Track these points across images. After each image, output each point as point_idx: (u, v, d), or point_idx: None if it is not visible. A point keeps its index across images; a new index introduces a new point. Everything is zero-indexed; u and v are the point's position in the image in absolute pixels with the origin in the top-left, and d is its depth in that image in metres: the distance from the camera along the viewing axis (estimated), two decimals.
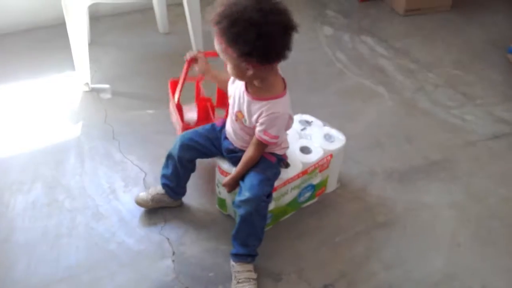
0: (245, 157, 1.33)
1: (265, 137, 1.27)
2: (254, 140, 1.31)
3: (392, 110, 2.10)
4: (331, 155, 1.55)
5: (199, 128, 1.47)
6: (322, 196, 1.65)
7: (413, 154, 1.87)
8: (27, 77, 2.17)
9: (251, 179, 1.31)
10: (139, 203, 1.55)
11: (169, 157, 1.48)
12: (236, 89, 1.32)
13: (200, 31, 2.20)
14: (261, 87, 1.24)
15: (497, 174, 1.80)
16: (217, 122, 1.48)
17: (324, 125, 1.65)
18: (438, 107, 2.12)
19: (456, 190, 1.72)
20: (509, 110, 2.11)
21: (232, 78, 1.34)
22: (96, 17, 2.53)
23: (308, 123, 1.65)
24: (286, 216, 1.58)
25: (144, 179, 1.69)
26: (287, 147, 1.44)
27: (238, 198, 1.30)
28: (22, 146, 1.81)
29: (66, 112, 2.00)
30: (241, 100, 1.29)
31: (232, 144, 1.40)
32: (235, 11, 1.09)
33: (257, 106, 1.26)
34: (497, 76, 2.34)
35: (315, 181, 1.57)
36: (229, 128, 1.40)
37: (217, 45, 1.17)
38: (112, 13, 2.59)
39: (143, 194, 1.55)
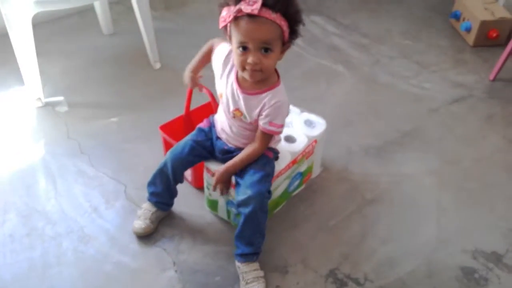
0: (247, 151, 1.30)
1: (272, 128, 1.25)
2: (258, 133, 1.28)
3: (355, 88, 2.14)
4: (315, 141, 1.56)
5: (187, 139, 1.40)
6: (309, 182, 1.66)
7: (384, 128, 1.92)
8: None
9: (251, 177, 1.28)
10: (142, 233, 1.45)
11: (160, 174, 1.41)
12: (225, 86, 1.27)
13: (152, 27, 2.11)
14: (260, 80, 1.21)
15: (464, 136, 1.89)
16: (202, 124, 1.43)
17: (302, 112, 1.65)
18: (397, 79, 2.19)
19: (430, 158, 1.78)
20: (462, 73, 2.22)
21: (219, 73, 1.29)
22: (33, 25, 2.35)
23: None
24: (279, 208, 1.57)
25: (125, 191, 1.61)
26: (280, 140, 1.43)
27: (240, 197, 1.27)
28: None
29: (23, 132, 1.86)
30: (236, 98, 1.26)
31: (227, 144, 1.36)
32: None
33: (256, 99, 1.23)
34: (444, 41, 2.44)
35: (302, 168, 1.57)
36: (224, 127, 1.36)
37: (262, 35, 1.13)
38: (49, 19, 2.41)
39: (140, 223, 1.45)
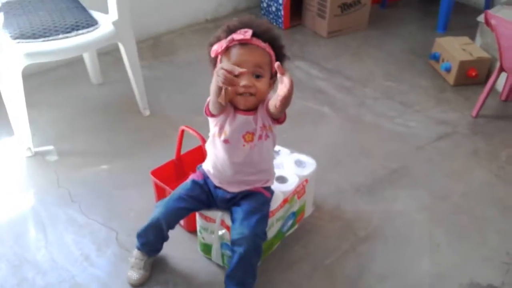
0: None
1: None
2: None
3: (341, 128, 2.18)
4: (306, 180, 1.57)
5: (181, 193, 1.38)
6: (302, 221, 1.66)
7: (372, 166, 1.94)
8: None
9: (248, 218, 1.28)
10: (138, 284, 1.42)
11: (152, 228, 1.38)
12: (230, 123, 1.28)
13: (141, 75, 2.15)
14: (252, 105, 1.25)
15: (452, 171, 1.92)
16: (195, 176, 1.42)
17: (292, 152, 1.67)
18: (382, 119, 2.24)
19: (420, 193, 1.80)
20: (445, 111, 2.28)
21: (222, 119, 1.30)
22: (22, 76, 2.38)
23: (276, 152, 1.67)
24: (273, 249, 1.56)
25: (116, 238, 1.59)
26: (275, 175, 1.45)
27: (235, 236, 1.27)
28: None
29: (13, 181, 1.85)
30: (245, 124, 1.27)
31: (228, 192, 1.36)
32: (269, 25, 1.26)
33: (260, 111, 1.26)
34: (426, 82, 2.52)
35: (295, 208, 1.57)
36: (225, 171, 1.34)
37: (254, 59, 1.20)
38: (38, 71, 2.45)
39: (134, 274, 1.42)
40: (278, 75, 1.12)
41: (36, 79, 2.41)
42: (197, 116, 2.17)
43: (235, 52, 1.21)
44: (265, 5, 3.09)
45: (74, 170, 1.89)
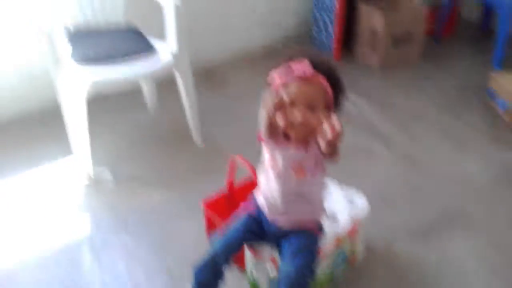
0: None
1: None
2: None
3: (394, 165, 2.15)
4: (358, 222, 1.55)
5: (238, 229, 1.39)
6: (354, 264, 1.63)
7: (426, 207, 1.89)
8: (21, 170, 2.09)
9: (296, 256, 1.28)
10: None
11: (211, 261, 1.35)
12: (281, 157, 1.29)
13: (196, 106, 2.20)
14: (304, 138, 1.26)
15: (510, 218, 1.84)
16: (248, 208, 1.43)
17: (343, 189, 1.65)
18: (437, 157, 2.18)
19: (479, 241, 1.73)
20: (503, 151, 2.20)
21: (274, 150, 1.31)
22: None
23: (327, 187, 1.64)
24: None
25: (167, 268, 1.61)
26: (325, 212, 1.44)
27: (282, 275, 1.26)
28: (29, 249, 1.71)
29: (70, 205, 1.92)
30: (297, 157, 1.28)
31: (280, 228, 1.36)
32: (327, 59, 1.28)
33: (313, 145, 1.26)
34: (481, 119, 2.45)
35: (346, 249, 1.55)
36: (276, 201, 1.34)
37: (310, 93, 1.21)
38: (98, 97, 2.52)
39: None
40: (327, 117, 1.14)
41: (97, 105, 2.48)
42: (249, 148, 2.19)
43: (292, 86, 1.23)
44: (315, 35, 3.12)
45: (129, 197, 1.95)
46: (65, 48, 1.94)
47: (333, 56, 3.02)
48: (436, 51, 3.14)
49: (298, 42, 3.24)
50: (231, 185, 1.70)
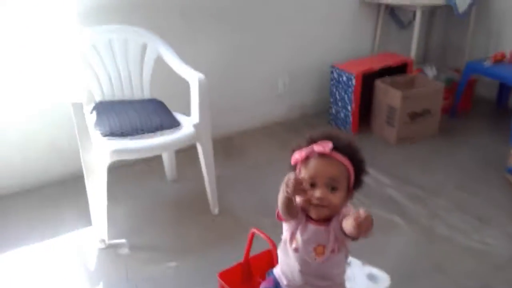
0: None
1: None
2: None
3: (413, 240, 2.10)
4: None
5: None
6: None
7: (448, 285, 1.83)
8: (38, 239, 2.10)
9: None
10: None
11: None
12: (301, 233, 1.27)
13: (214, 174, 2.23)
14: (324, 217, 1.25)
15: None
16: (266, 284, 1.40)
17: (364, 264, 1.62)
18: (457, 233, 2.14)
19: None
20: None
21: (293, 228, 1.30)
22: None
23: (347, 263, 1.62)
24: None
25: None
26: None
27: None
28: None
29: (84, 273, 1.90)
30: (317, 235, 1.26)
31: None
32: (350, 140, 1.27)
33: (334, 223, 1.24)
34: (501, 195, 2.42)
35: None
36: (295, 279, 1.32)
37: (331, 172, 1.22)
38: (118, 165, 2.59)
39: None
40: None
41: (117, 172, 2.54)
42: (265, 218, 2.20)
43: (313, 162, 1.24)
44: (333, 111, 3.19)
45: (143, 265, 1.93)
46: (92, 121, 2.02)
47: (351, 130, 3.06)
48: (452, 127, 3.17)
49: (317, 118, 3.32)
50: (247, 257, 1.68)
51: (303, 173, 1.24)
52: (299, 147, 1.28)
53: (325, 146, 1.22)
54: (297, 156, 1.26)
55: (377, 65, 3.03)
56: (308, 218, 1.28)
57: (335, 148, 1.23)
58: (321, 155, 1.23)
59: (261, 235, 1.58)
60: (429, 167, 2.71)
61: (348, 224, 1.16)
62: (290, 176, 1.18)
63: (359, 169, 1.27)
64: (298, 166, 1.28)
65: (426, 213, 2.29)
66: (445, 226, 2.19)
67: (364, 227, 1.11)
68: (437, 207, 2.33)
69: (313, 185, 1.22)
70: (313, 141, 1.26)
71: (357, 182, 1.27)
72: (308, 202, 1.23)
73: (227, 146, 2.95)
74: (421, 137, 2.99)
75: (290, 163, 1.30)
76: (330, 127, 1.33)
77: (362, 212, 1.11)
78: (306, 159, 1.25)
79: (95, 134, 1.94)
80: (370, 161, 2.97)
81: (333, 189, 1.22)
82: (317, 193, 1.21)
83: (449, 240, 2.10)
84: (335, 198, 1.23)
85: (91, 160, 1.90)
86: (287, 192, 1.18)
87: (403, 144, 2.95)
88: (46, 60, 2.33)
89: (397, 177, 2.60)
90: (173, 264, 1.93)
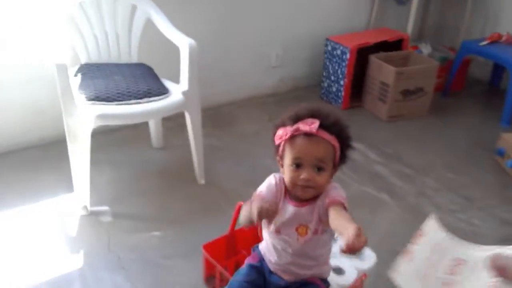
0: (345, 216, 1.14)
1: (341, 199, 1.19)
2: (336, 207, 1.16)
3: (400, 218, 2.09)
4: (365, 275, 1.49)
5: (239, 280, 1.31)
6: None
7: None
8: (18, 203, 2.03)
9: None
10: None
11: None
12: (283, 213, 1.24)
13: (202, 144, 2.18)
14: (311, 197, 1.21)
15: None
16: (251, 259, 1.36)
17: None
18: (444, 212, 2.13)
19: None
20: (510, 211, 2.15)
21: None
22: None
23: (333, 239, 1.59)
24: None
25: None
26: (331, 269, 1.37)
27: None
28: (19, 283, 1.64)
29: (64, 240, 1.86)
30: (298, 216, 1.22)
31: (283, 279, 1.29)
32: (338, 116, 1.20)
33: (318, 203, 1.20)
34: (490, 177, 2.41)
35: None
36: (280, 256, 1.28)
37: (318, 152, 1.16)
38: (103, 130, 2.51)
39: None
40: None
41: (101, 138, 2.47)
42: (252, 189, 2.14)
43: (299, 142, 1.17)
44: (325, 84, 3.13)
45: (126, 234, 1.89)
46: (77, 84, 1.94)
47: (342, 105, 3.02)
48: (444, 106, 3.15)
49: (308, 91, 3.26)
50: (233, 229, 1.65)
51: (288, 152, 1.19)
52: (283, 124, 1.21)
53: (312, 126, 1.16)
54: (281, 134, 1.19)
55: (372, 40, 2.97)
56: (287, 198, 1.24)
57: (322, 126, 1.17)
58: (308, 134, 1.17)
59: None
60: (418, 146, 2.69)
61: (338, 231, 1.11)
62: (264, 206, 1.12)
63: (345, 145, 1.22)
64: (281, 145, 1.22)
65: (413, 191, 2.28)
66: (432, 205, 2.18)
67: (355, 249, 0.99)
68: (424, 186, 2.32)
69: (298, 166, 1.17)
70: (298, 118, 1.19)
71: (342, 158, 1.23)
72: (293, 183, 1.18)
73: (216, 116, 2.89)
74: (413, 115, 2.96)
75: (273, 140, 1.24)
76: (317, 102, 1.26)
77: (353, 237, 0.98)
78: (291, 137, 1.18)
79: (79, 97, 1.86)
80: (360, 136, 2.95)
81: (319, 169, 1.18)
82: (303, 174, 1.17)
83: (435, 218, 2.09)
84: (322, 178, 1.18)
85: (74, 124, 1.82)
86: (253, 219, 1.12)
87: (394, 121, 2.92)
88: (30, 17, 2.23)
89: (387, 154, 2.58)
90: (156, 233, 1.90)
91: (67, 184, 2.05)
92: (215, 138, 2.63)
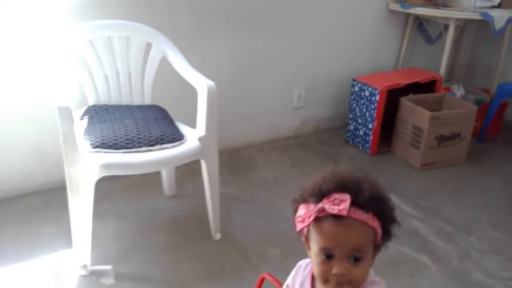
0: None
1: None
2: None
3: (444, 285, 1.82)
4: None
5: None
6: None
7: None
8: (12, 257, 1.82)
9: None
10: None
11: None
12: None
13: (218, 193, 1.95)
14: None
15: None
16: None
17: None
18: (493, 280, 1.86)
19: None
20: None
21: None
22: None
23: None
24: None
25: None
26: None
27: None
28: None
29: None
30: None
31: None
32: (374, 188, 0.95)
33: None
34: None
35: None
36: None
37: (353, 240, 0.92)
38: (107, 176, 2.33)
39: None
40: None
41: (107, 184, 2.26)
42: (274, 248, 1.93)
43: (326, 228, 0.92)
44: (351, 127, 2.91)
45: None
46: (82, 128, 1.76)
47: (370, 150, 2.79)
48: (480, 153, 2.89)
49: (333, 134, 3.05)
50: None
51: (314, 238, 0.94)
52: (305, 201, 0.96)
53: (341, 206, 0.90)
54: (304, 217, 0.94)
55: (403, 81, 2.76)
56: None
57: (354, 203, 0.91)
58: (337, 216, 0.91)
59: (274, 282, 1.30)
60: (457, 198, 2.42)
61: None
62: None
63: (388, 220, 0.97)
64: (305, 231, 0.98)
65: (457, 253, 2.00)
66: (480, 271, 1.90)
67: None
68: (469, 247, 2.04)
69: (329, 257, 0.92)
70: (322, 194, 0.94)
71: (385, 236, 0.97)
72: (324, 278, 0.94)
73: (233, 160, 2.68)
74: (448, 163, 2.71)
75: (293, 218, 0.98)
76: (345, 169, 0.99)
77: None
78: (317, 219, 0.93)
79: (84, 144, 1.66)
80: (391, 186, 2.68)
81: (357, 259, 0.92)
82: (336, 268, 0.91)
83: (484, 286, 1.81)
84: (360, 270, 0.93)
85: (76, 174, 1.61)
86: None
87: (427, 169, 2.67)
88: (37, 56, 2.07)
89: (423, 207, 2.32)
90: None
91: (68, 237, 1.82)
92: (232, 186, 2.40)
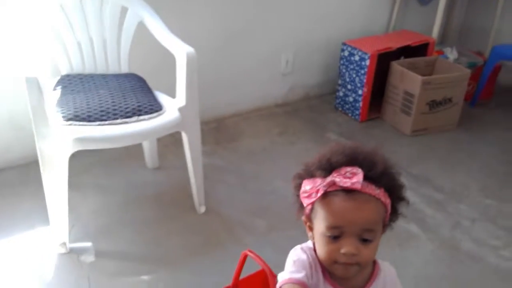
0: None
1: None
2: None
3: (434, 256, 1.78)
4: None
5: None
6: None
7: None
8: None
9: None
10: None
11: None
12: None
13: (201, 165, 1.88)
14: (353, 275, 0.89)
15: None
16: None
17: None
18: (484, 248, 1.82)
19: None
20: None
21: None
22: (71, 154, 2.17)
23: None
24: None
25: None
26: None
27: None
28: None
29: (38, 283, 1.56)
30: None
31: None
32: (386, 162, 0.89)
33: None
34: None
35: None
36: None
37: (365, 218, 0.85)
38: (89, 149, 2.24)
39: None
40: None
41: (87, 157, 2.18)
42: (259, 219, 1.88)
43: (337, 203, 0.85)
44: (341, 94, 2.82)
45: (110, 277, 1.59)
46: (55, 99, 1.65)
47: (359, 117, 2.71)
48: (473, 118, 2.82)
49: (322, 101, 2.97)
50: (236, 280, 1.35)
51: (321, 216, 0.87)
52: (311, 175, 0.89)
53: (354, 179, 0.83)
54: (310, 191, 0.87)
55: (394, 44, 2.65)
56: (327, 279, 0.92)
57: (367, 177, 0.84)
58: (349, 190, 0.84)
59: (257, 259, 1.24)
60: (448, 166, 2.37)
61: None
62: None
63: (398, 198, 0.90)
64: (311, 206, 0.90)
65: (447, 222, 1.96)
66: (470, 240, 1.86)
67: None
68: (459, 215, 2.00)
69: (336, 237, 0.85)
70: (332, 167, 0.86)
71: (393, 215, 0.91)
72: (331, 259, 0.87)
73: (218, 130, 2.59)
74: (439, 129, 2.64)
75: (295, 194, 0.93)
76: (355, 143, 0.91)
77: None
78: (325, 195, 0.86)
79: (56, 116, 1.56)
80: None
81: (366, 240, 0.85)
82: (346, 248, 0.84)
83: (475, 257, 1.77)
84: (369, 251, 0.86)
85: (48, 149, 1.53)
86: None
87: (418, 135, 2.61)
88: (4, 24, 1.94)
89: (413, 175, 2.26)
90: (145, 277, 1.60)
91: (46, 214, 1.75)
92: (217, 156, 2.33)
